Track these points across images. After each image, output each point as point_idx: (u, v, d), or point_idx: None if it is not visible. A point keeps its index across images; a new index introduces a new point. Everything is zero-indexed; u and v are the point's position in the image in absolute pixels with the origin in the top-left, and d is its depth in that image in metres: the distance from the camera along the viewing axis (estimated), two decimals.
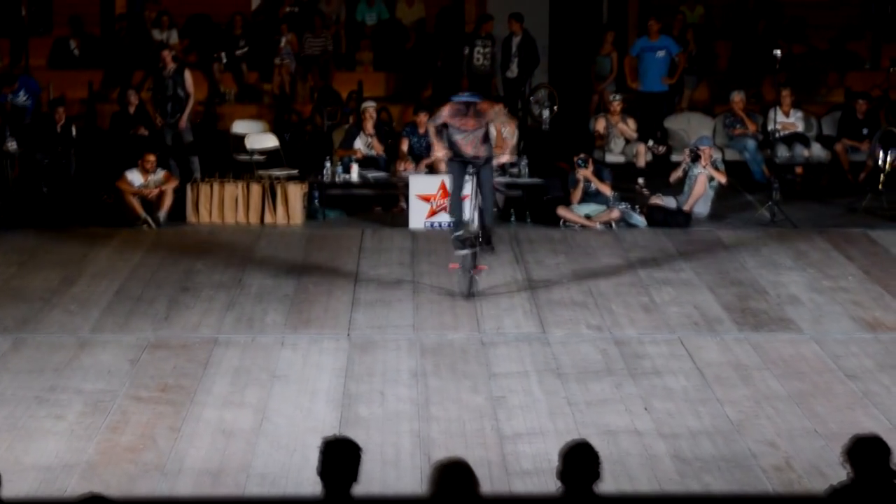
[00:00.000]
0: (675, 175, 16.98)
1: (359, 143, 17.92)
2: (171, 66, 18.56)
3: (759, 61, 21.23)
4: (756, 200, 17.58)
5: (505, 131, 13.33)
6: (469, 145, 13.28)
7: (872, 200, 17.41)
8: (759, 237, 15.96)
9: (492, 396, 10.69)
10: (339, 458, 6.48)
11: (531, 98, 21.08)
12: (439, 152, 13.79)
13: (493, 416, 10.28)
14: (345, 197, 17.44)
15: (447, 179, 14.77)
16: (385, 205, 17.55)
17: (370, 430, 9.92)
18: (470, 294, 13.38)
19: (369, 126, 17.98)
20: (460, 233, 13.51)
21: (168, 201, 16.57)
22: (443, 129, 13.44)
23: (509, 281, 14.02)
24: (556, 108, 20.47)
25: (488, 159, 13.41)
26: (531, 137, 19.24)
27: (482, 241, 13.45)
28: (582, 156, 16.65)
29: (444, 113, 13.27)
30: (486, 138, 13.32)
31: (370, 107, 18.32)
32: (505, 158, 14.28)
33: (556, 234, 16.02)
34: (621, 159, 19.05)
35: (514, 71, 21.17)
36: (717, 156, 17.37)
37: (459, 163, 13.48)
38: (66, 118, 18.59)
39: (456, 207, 13.69)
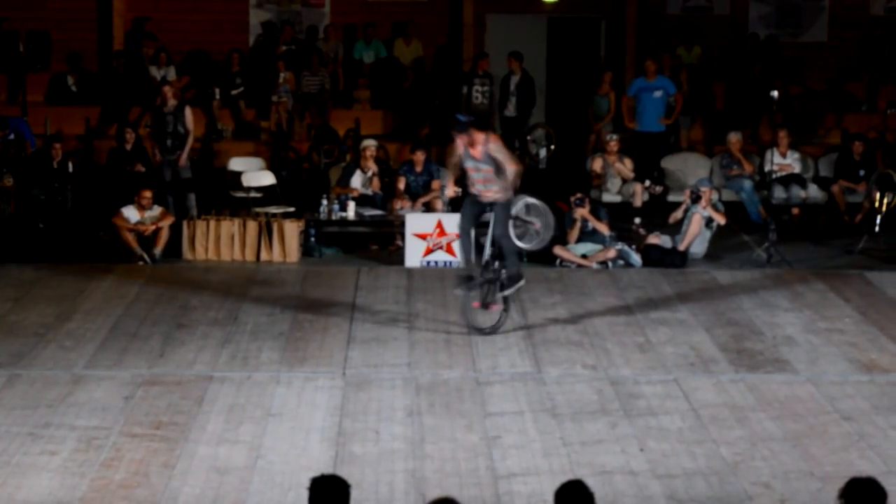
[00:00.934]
0: (675, 216, 17.00)
1: (356, 181, 17.93)
2: (173, 102, 18.60)
3: (757, 102, 21.31)
4: (752, 241, 17.60)
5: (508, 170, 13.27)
6: (480, 181, 13.27)
7: (869, 242, 17.43)
8: (756, 278, 15.97)
9: (487, 435, 10.65)
10: (328, 495, 6.45)
11: (528, 137, 21.16)
12: (449, 189, 13.78)
13: (487, 455, 10.24)
14: (341, 234, 17.45)
15: (453, 217, 14.71)
16: (381, 243, 17.55)
17: (364, 469, 9.89)
18: (487, 331, 13.38)
19: (368, 164, 17.99)
20: (462, 271, 13.51)
21: (164, 238, 16.58)
22: (461, 165, 13.49)
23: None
24: (552, 147, 20.55)
25: (503, 200, 13.36)
26: (528, 176, 19.24)
27: (495, 281, 13.45)
28: (580, 195, 16.67)
29: (458, 143, 13.27)
30: (497, 175, 13.28)
31: (371, 146, 18.33)
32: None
33: (552, 273, 16.02)
34: (618, 199, 19.10)
35: (511, 110, 21.24)
36: (715, 196, 17.39)
37: (472, 202, 13.50)
38: (63, 154, 18.61)
39: (464, 247, 13.68)
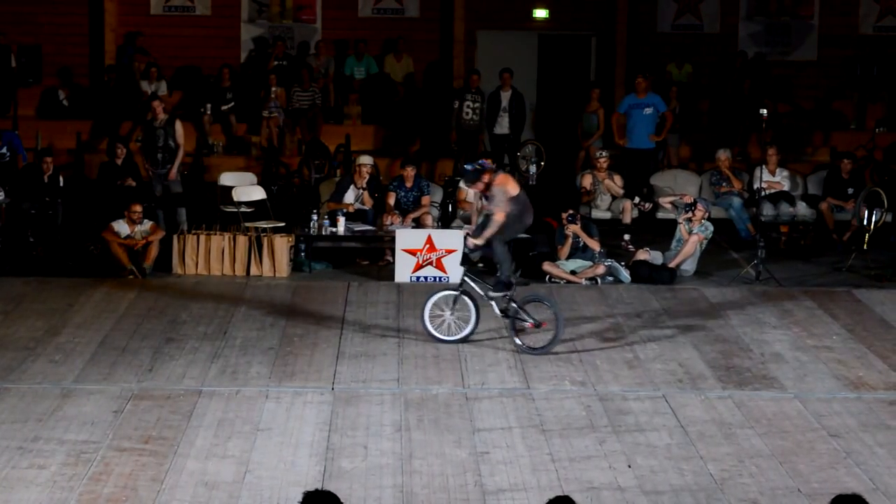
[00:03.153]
0: (667, 200, 17.19)
1: (350, 196, 17.96)
2: (163, 116, 18.64)
3: (746, 120, 21.38)
4: (741, 258, 17.63)
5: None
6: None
7: (857, 259, 17.47)
8: (744, 295, 16.01)
9: (475, 451, 10.66)
10: None
11: (518, 153, 21.21)
12: (471, 241, 13.72)
13: (476, 470, 10.25)
14: (331, 249, 17.47)
15: (443, 234, 14.78)
16: (371, 258, 17.58)
17: (353, 484, 9.89)
18: (538, 351, 13.46)
19: (362, 180, 18.02)
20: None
21: (154, 252, 16.59)
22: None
23: (494, 336, 14.02)
24: (542, 163, 20.58)
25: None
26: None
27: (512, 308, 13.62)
28: (571, 211, 16.72)
29: (472, 192, 13.52)
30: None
31: (367, 163, 18.33)
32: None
33: (542, 289, 16.05)
34: (607, 215, 19.13)
35: (504, 126, 21.27)
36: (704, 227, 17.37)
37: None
38: (54, 168, 18.61)
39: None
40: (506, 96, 21.36)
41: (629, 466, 10.37)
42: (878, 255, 17.72)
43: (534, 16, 23.62)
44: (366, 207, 17.90)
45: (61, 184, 18.51)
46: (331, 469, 10.21)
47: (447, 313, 13.75)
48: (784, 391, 12.35)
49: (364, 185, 18.04)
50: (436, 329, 13.75)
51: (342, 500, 6.53)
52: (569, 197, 18.95)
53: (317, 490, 6.61)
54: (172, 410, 11.46)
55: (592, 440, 10.95)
